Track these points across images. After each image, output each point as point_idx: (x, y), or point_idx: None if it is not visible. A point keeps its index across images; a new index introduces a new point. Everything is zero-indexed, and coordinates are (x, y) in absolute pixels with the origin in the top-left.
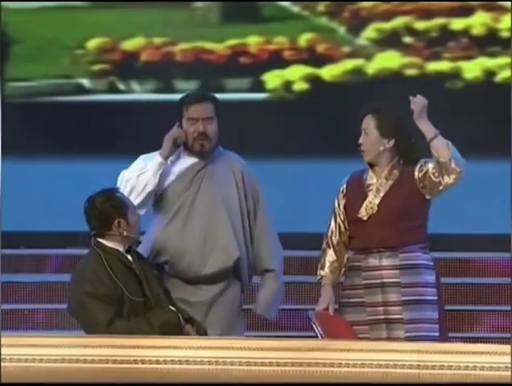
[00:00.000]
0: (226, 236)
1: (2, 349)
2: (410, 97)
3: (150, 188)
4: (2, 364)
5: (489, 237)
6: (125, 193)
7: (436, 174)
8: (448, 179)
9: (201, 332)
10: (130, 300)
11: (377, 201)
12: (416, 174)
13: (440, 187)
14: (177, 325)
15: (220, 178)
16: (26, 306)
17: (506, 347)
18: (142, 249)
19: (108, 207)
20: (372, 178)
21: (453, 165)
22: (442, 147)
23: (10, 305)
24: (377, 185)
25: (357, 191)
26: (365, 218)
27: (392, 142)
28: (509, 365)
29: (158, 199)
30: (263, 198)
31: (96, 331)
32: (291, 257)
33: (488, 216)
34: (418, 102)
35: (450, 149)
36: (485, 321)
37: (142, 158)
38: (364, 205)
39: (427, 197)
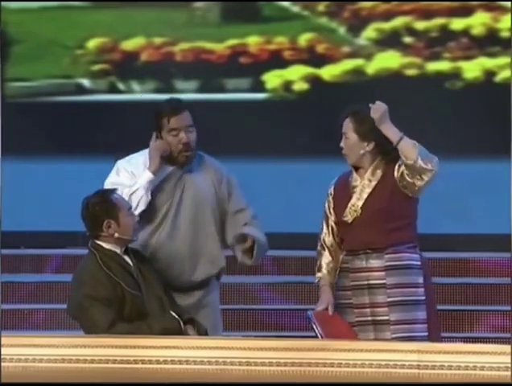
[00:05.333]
0: (212, 245)
1: (2, 349)
2: (370, 105)
3: (142, 207)
4: (2, 364)
5: (489, 237)
6: None
7: (410, 176)
8: (421, 181)
9: (201, 332)
10: (132, 299)
11: (360, 203)
12: (395, 173)
13: (416, 188)
14: (177, 331)
15: (199, 183)
16: (26, 306)
17: (506, 347)
18: None
19: (98, 209)
20: (356, 180)
21: (421, 165)
22: (408, 149)
23: (10, 305)
24: (361, 187)
25: (342, 193)
26: (349, 220)
27: (372, 145)
28: (509, 365)
29: None
30: (235, 185)
31: (97, 334)
32: (290, 257)
33: (488, 216)
34: (377, 109)
35: (416, 150)
36: (485, 321)
37: (121, 163)
38: (348, 208)
39: (410, 195)
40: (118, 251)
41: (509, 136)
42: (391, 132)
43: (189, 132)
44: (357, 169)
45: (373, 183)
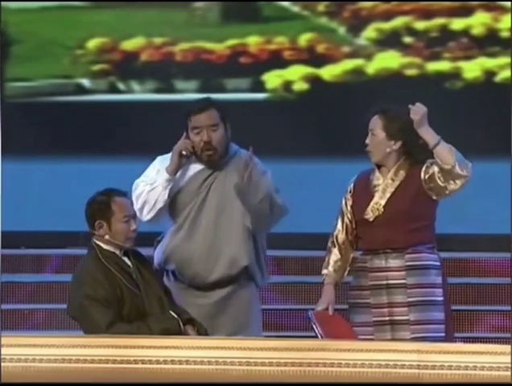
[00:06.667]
0: (233, 246)
1: (2, 349)
2: (410, 106)
3: (160, 205)
4: (2, 364)
5: (490, 237)
6: (138, 208)
7: (442, 179)
8: (454, 185)
9: (201, 332)
10: (131, 300)
11: (382, 202)
12: (422, 175)
13: (447, 192)
14: (177, 332)
15: (227, 184)
16: (26, 306)
17: (506, 347)
18: (157, 253)
19: (94, 207)
20: (378, 179)
21: (458, 170)
22: (445, 153)
23: (10, 305)
24: (383, 186)
25: (363, 192)
26: (371, 219)
27: (399, 144)
28: (509, 365)
29: (170, 205)
30: (265, 175)
31: (96, 334)
32: (290, 257)
33: (488, 216)
34: (417, 111)
35: (454, 156)
36: (485, 321)
37: (158, 160)
38: (370, 206)
39: (434, 198)
40: (117, 252)
41: (509, 136)
42: (429, 135)
43: (212, 131)
44: (378, 167)
45: (396, 183)
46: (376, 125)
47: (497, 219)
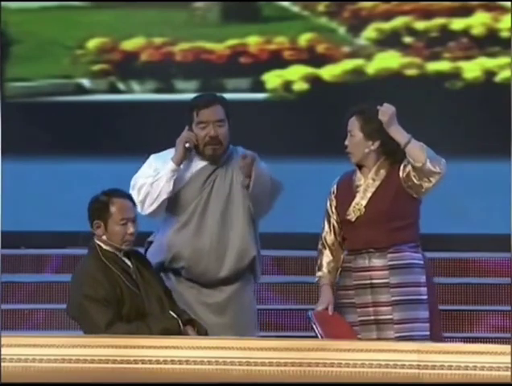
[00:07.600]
0: (241, 238)
1: (2, 349)
2: (378, 107)
3: (164, 196)
4: (2, 364)
5: (489, 237)
6: (139, 200)
7: (417, 177)
8: (428, 183)
9: (201, 332)
10: (130, 299)
11: (363, 202)
12: (400, 174)
13: (422, 190)
14: (177, 332)
15: (231, 179)
16: (26, 306)
17: (506, 347)
18: (156, 253)
19: (95, 206)
20: (360, 179)
21: (430, 167)
22: (416, 151)
23: (10, 305)
24: (365, 186)
25: (346, 192)
26: (352, 219)
27: (377, 144)
28: (509, 365)
29: (170, 202)
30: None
31: (95, 334)
32: (290, 257)
33: (488, 216)
34: (385, 111)
35: (424, 153)
36: (485, 321)
37: (153, 158)
38: (351, 206)
39: (415, 196)
40: (117, 252)
41: (509, 136)
42: (399, 134)
43: (218, 126)
44: (360, 168)
45: (377, 183)
46: (354, 125)
47: (498, 219)
